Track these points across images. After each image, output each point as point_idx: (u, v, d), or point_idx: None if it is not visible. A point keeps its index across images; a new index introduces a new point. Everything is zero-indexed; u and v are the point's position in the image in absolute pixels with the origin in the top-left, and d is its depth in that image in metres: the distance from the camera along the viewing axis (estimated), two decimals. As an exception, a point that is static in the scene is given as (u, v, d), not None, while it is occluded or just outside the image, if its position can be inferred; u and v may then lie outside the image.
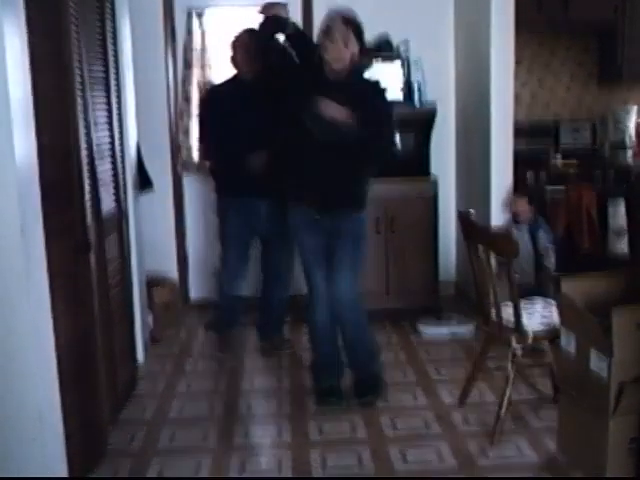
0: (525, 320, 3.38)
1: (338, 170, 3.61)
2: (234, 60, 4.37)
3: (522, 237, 4.49)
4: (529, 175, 5.17)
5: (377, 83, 3.78)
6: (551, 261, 4.40)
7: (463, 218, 3.56)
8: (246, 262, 4.54)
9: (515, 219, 4.64)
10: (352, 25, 3.63)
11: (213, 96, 4.57)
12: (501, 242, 3.28)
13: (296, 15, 5.07)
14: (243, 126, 4.25)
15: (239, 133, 4.26)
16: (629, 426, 2.93)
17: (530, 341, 3.37)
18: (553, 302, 3.42)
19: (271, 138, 4.09)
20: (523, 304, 3.49)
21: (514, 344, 3.36)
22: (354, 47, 3.63)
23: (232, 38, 4.38)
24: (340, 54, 3.60)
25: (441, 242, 5.28)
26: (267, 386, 4.13)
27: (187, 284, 5.67)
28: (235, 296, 4.56)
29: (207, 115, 4.50)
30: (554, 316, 3.38)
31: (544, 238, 4.52)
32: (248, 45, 4.24)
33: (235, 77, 4.43)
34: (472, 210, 3.55)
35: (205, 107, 4.60)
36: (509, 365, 3.41)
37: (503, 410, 3.36)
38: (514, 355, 3.39)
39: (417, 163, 5.25)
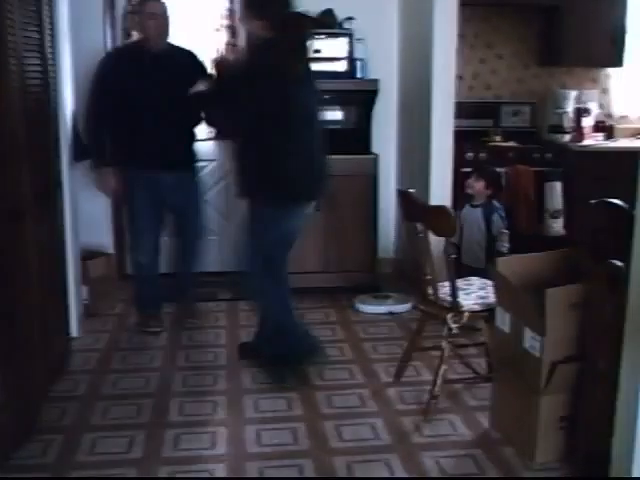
0: (461, 299, 3.40)
1: None
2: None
3: (476, 219, 4.52)
4: (468, 155, 5.21)
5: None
6: (505, 245, 4.38)
7: (402, 196, 3.56)
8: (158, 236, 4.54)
9: (470, 201, 4.62)
10: None
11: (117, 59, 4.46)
12: (438, 220, 3.28)
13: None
14: (146, 96, 4.20)
15: (141, 103, 4.21)
16: (560, 405, 2.99)
17: (465, 319, 3.40)
18: (490, 282, 3.46)
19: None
20: (460, 283, 3.52)
21: (450, 322, 3.39)
22: None
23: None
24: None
25: (381, 220, 5.31)
26: (202, 362, 4.08)
27: (123, 258, 5.57)
28: (154, 274, 4.53)
29: (107, 77, 4.26)
30: (490, 295, 3.41)
31: (499, 222, 4.49)
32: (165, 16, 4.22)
33: (141, 44, 4.33)
34: (412, 190, 3.54)
35: (106, 69, 4.33)
36: (444, 343, 3.44)
37: (437, 387, 3.39)
38: (449, 333, 3.41)
39: (358, 140, 5.26)
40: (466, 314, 3.38)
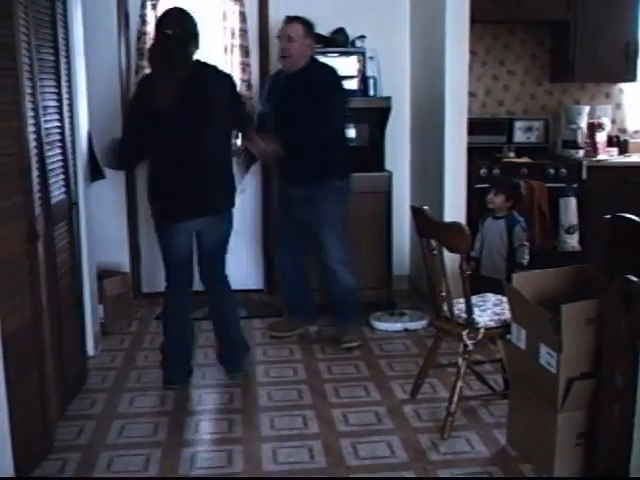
0: (476, 315, 3.40)
1: None
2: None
3: (498, 230, 4.53)
4: (482, 172, 5.21)
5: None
6: (525, 257, 4.41)
7: (416, 213, 3.57)
8: None
9: (492, 213, 4.59)
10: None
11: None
12: (453, 236, 3.28)
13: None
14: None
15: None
16: (577, 421, 2.97)
17: (481, 336, 3.39)
18: (504, 298, 3.45)
19: None
20: (475, 299, 3.51)
21: (465, 339, 3.38)
22: None
23: None
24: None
25: (395, 237, 5.30)
26: (218, 379, 4.08)
27: (139, 276, 5.60)
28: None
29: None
30: (506, 312, 3.40)
31: (520, 233, 4.48)
32: None
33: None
34: (426, 206, 3.55)
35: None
36: (460, 360, 3.43)
37: (454, 405, 3.38)
38: (465, 350, 3.40)
39: (371, 158, 5.27)
40: (482, 331, 3.37)
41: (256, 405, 3.75)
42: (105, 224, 4.91)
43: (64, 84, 3.74)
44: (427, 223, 3.48)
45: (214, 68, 3.87)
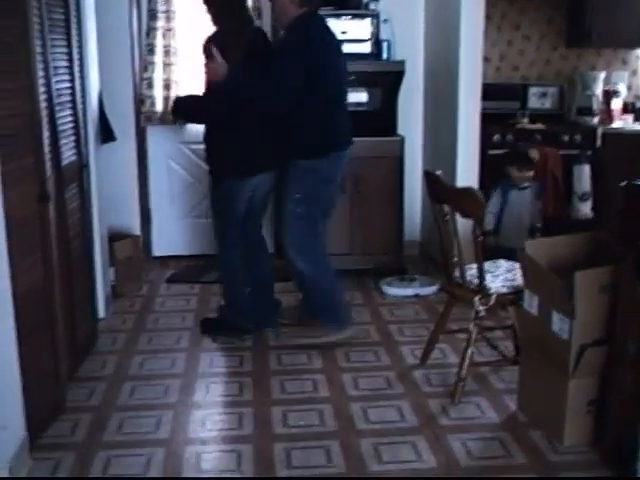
0: (489, 281, 3.38)
1: None
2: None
3: (525, 201, 4.61)
4: (495, 138, 5.16)
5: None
6: (539, 222, 4.60)
7: (429, 178, 3.54)
8: None
9: (511, 184, 4.64)
10: None
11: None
12: (466, 201, 3.25)
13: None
14: None
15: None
16: (588, 388, 2.97)
17: (493, 302, 3.37)
18: (517, 264, 3.43)
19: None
20: (487, 266, 3.49)
21: (477, 305, 3.37)
22: None
23: None
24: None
25: (407, 202, 5.28)
26: (229, 343, 4.09)
27: (150, 239, 5.60)
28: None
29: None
30: (518, 278, 3.38)
31: (538, 205, 4.65)
32: None
33: None
34: (439, 171, 3.51)
35: None
36: (471, 326, 3.42)
37: (464, 370, 3.37)
38: (477, 316, 3.39)
39: (384, 122, 5.22)
40: (494, 297, 3.36)
41: (267, 369, 3.76)
42: (116, 186, 4.88)
43: (75, 44, 3.70)
44: (440, 188, 3.46)
45: None
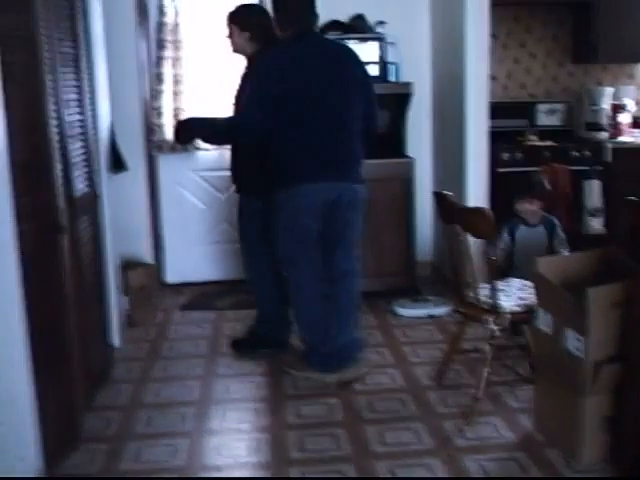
0: (502, 301, 3.38)
1: None
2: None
3: (538, 239, 4.31)
4: (504, 156, 5.17)
5: None
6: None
7: (439, 198, 3.55)
8: None
9: (521, 220, 4.36)
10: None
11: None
12: (477, 221, 3.26)
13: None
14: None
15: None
16: (604, 405, 2.96)
17: (507, 322, 3.37)
18: (529, 283, 3.43)
19: None
20: (500, 285, 3.49)
21: (491, 325, 3.36)
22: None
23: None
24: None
25: (418, 223, 5.28)
26: (244, 369, 4.10)
27: (163, 267, 5.63)
28: None
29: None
30: (531, 296, 3.38)
31: (561, 235, 4.33)
32: None
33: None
34: (448, 192, 3.53)
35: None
36: (487, 346, 3.41)
37: (481, 391, 3.37)
38: (492, 336, 3.39)
39: (393, 144, 5.25)
40: (507, 316, 3.36)
41: (282, 393, 3.76)
42: (128, 215, 4.92)
43: (85, 77, 3.75)
44: (451, 209, 3.47)
45: None
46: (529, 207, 4.32)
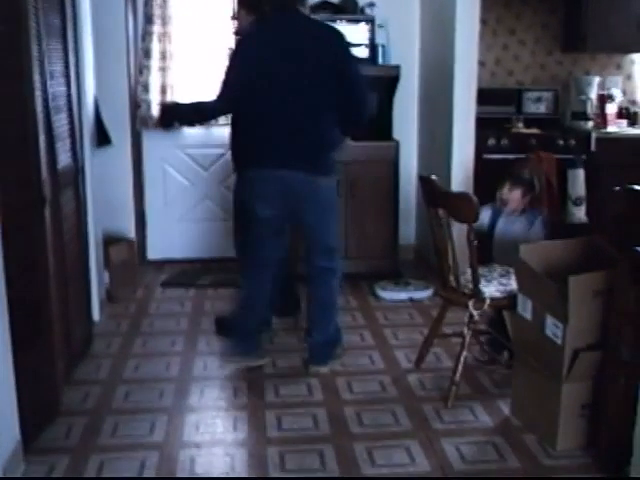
0: (482, 285, 3.39)
1: None
2: None
3: (517, 231, 3.92)
4: (490, 142, 5.17)
5: None
6: None
7: (424, 182, 3.55)
8: None
9: (500, 211, 4.00)
10: None
11: None
12: (460, 206, 3.28)
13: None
14: None
15: None
16: (581, 392, 2.98)
17: (487, 306, 3.39)
18: (511, 269, 3.44)
19: None
20: (481, 270, 3.50)
21: (472, 309, 3.38)
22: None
23: None
24: None
25: (402, 206, 5.28)
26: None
27: (145, 243, 5.61)
28: None
29: None
30: (512, 282, 3.39)
31: (538, 231, 3.92)
32: None
33: None
34: (434, 176, 3.52)
35: None
36: (465, 330, 3.43)
37: (458, 374, 3.38)
38: (471, 320, 3.40)
39: (379, 126, 5.23)
40: (487, 301, 3.37)
41: (261, 373, 3.77)
42: (111, 190, 4.89)
43: (71, 49, 3.71)
44: (435, 193, 3.47)
45: None
46: (508, 194, 3.96)
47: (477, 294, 3.37)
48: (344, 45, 3.58)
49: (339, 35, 3.57)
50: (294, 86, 3.46)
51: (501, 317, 3.68)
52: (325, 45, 3.52)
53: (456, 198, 3.39)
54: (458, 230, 3.39)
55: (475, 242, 3.29)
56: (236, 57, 3.62)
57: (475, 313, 3.38)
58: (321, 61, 3.47)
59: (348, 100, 3.54)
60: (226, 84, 3.59)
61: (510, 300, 3.35)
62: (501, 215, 3.99)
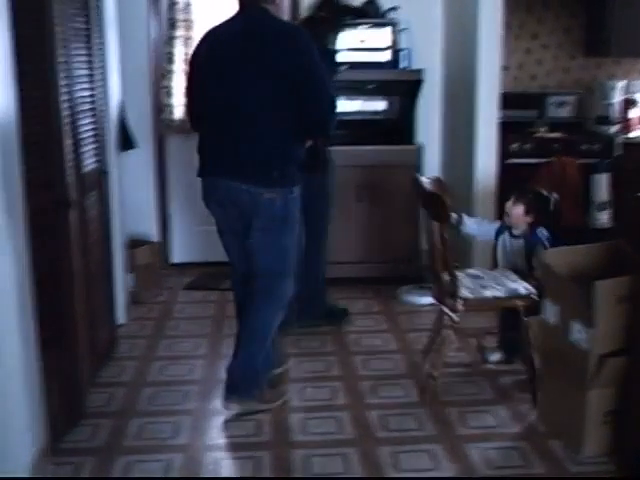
0: (465, 287, 3.45)
1: None
2: None
3: (517, 251, 3.76)
4: (514, 147, 5.15)
5: None
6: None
7: (414, 183, 3.63)
8: None
9: (510, 228, 3.82)
10: None
11: None
12: (433, 205, 3.37)
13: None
14: None
15: None
16: (607, 399, 2.96)
17: (460, 307, 3.40)
18: (512, 277, 3.54)
19: None
20: (481, 273, 3.66)
21: (447, 310, 3.49)
22: None
23: None
24: None
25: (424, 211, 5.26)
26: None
27: (169, 246, 5.63)
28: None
29: None
30: (495, 288, 3.47)
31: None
32: None
33: None
34: (424, 177, 3.57)
35: None
36: (445, 331, 3.54)
37: (438, 370, 3.48)
38: (451, 320, 3.48)
39: (402, 131, 5.23)
40: (460, 302, 3.40)
41: (285, 377, 3.77)
42: (135, 193, 4.92)
43: (96, 53, 3.73)
44: (420, 192, 3.55)
45: None
46: (511, 209, 3.76)
47: (453, 295, 3.42)
48: (301, 48, 3.19)
49: (297, 37, 3.22)
50: (235, 92, 3.19)
51: (513, 318, 3.64)
52: (277, 48, 3.16)
53: (430, 197, 3.44)
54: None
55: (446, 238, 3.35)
56: (191, 60, 3.40)
57: (451, 314, 3.44)
58: (269, 66, 3.15)
59: (308, 108, 3.19)
60: (187, 89, 3.42)
61: (486, 304, 3.48)
62: (503, 233, 3.84)
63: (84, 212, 3.46)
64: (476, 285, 3.49)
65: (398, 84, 5.18)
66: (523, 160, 5.04)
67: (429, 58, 5.38)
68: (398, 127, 5.26)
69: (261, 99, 3.16)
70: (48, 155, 2.97)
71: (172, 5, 5.27)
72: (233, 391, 3.33)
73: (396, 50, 5.14)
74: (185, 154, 5.52)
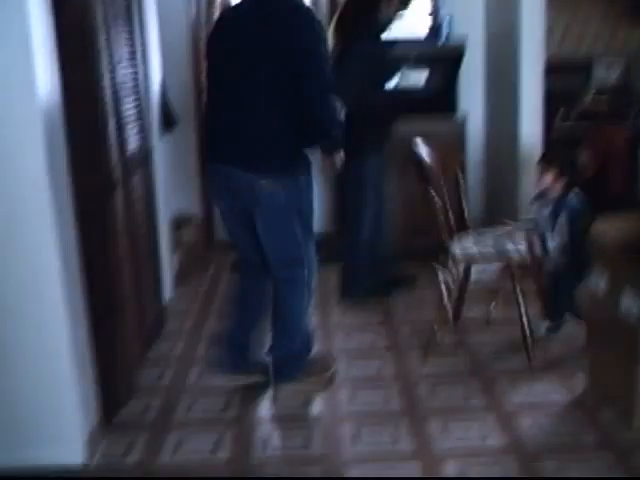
0: (462, 247, 3.59)
1: None
2: None
3: (542, 216, 3.74)
4: (560, 113, 5.04)
5: None
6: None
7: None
8: None
9: (542, 194, 3.78)
10: None
11: None
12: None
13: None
14: None
15: None
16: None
17: (451, 264, 3.63)
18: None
19: None
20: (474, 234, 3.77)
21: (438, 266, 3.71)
22: None
23: None
24: None
25: (469, 181, 5.19)
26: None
27: (212, 224, 5.66)
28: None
29: None
30: (484, 245, 3.58)
31: (563, 227, 3.64)
32: None
33: None
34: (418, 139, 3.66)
35: None
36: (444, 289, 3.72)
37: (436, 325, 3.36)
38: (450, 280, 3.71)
39: (445, 99, 5.14)
40: (450, 259, 3.58)
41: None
42: (178, 172, 4.95)
43: (137, 33, 3.74)
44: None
45: None
46: (543, 176, 3.73)
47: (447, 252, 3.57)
48: (306, 37, 3.06)
49: (303, 24, 3.07)
50: (237, 77, 3.09)
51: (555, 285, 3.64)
52: (279, 31, 3.05)
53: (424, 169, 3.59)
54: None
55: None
56: (206, 44, 3.40)
57: (440, 269, 3.65)
58: (270, 50, 3.04)
59: (306, 93, 3.05)
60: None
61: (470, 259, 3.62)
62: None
63: (129, 193, 3.48)
64: (471, 244, 3.60)
65: (441, 53, 5.10)
66: (569, 126, 4.93)
67: (471, 25, 5.27)
68: (442, 96, 5.17)
69: (261, 84, 3.06)
70: (92, 137, 2.98)
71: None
72: (290, 372, 3.36)
73: (438, 17, 5.07)
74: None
